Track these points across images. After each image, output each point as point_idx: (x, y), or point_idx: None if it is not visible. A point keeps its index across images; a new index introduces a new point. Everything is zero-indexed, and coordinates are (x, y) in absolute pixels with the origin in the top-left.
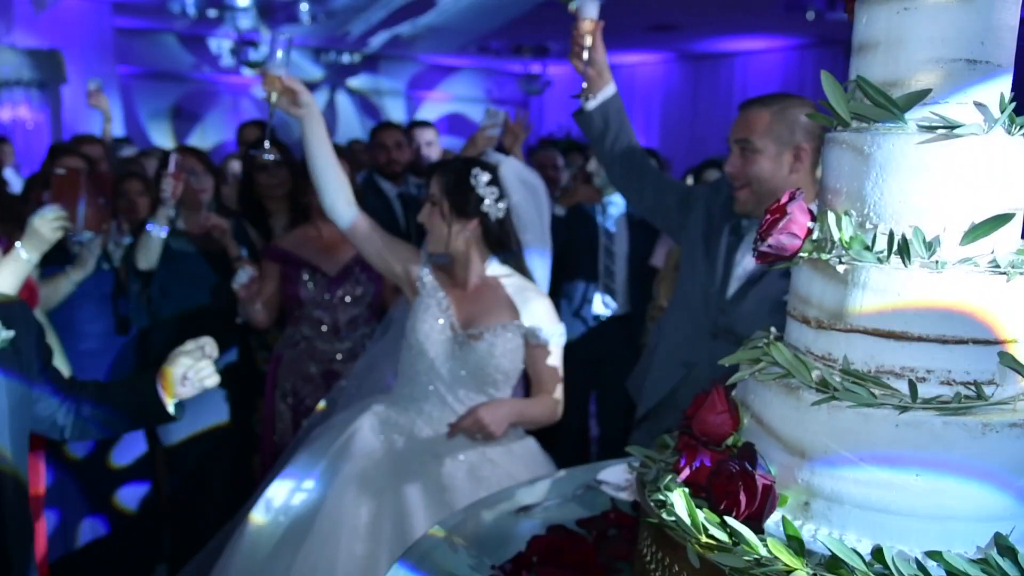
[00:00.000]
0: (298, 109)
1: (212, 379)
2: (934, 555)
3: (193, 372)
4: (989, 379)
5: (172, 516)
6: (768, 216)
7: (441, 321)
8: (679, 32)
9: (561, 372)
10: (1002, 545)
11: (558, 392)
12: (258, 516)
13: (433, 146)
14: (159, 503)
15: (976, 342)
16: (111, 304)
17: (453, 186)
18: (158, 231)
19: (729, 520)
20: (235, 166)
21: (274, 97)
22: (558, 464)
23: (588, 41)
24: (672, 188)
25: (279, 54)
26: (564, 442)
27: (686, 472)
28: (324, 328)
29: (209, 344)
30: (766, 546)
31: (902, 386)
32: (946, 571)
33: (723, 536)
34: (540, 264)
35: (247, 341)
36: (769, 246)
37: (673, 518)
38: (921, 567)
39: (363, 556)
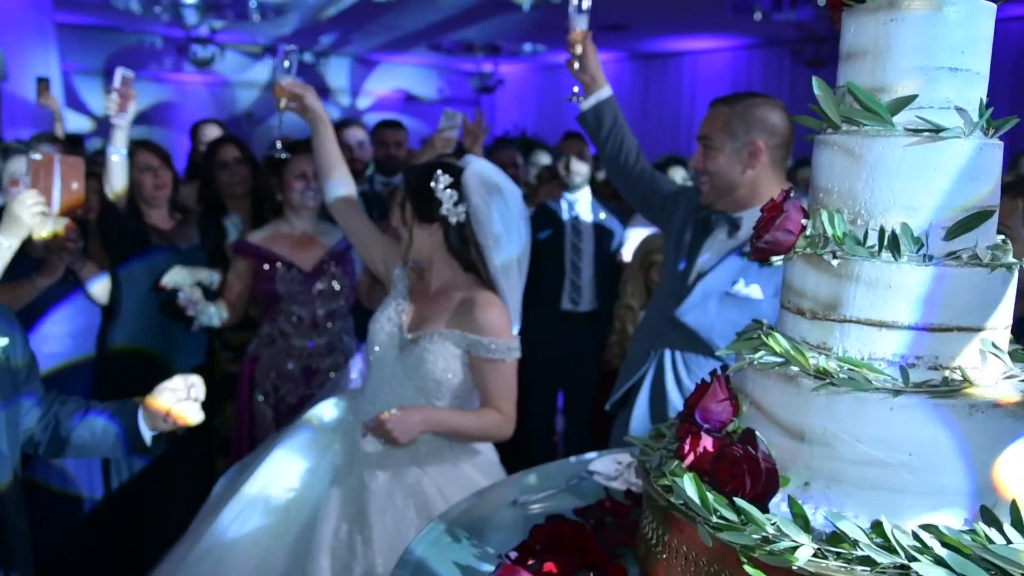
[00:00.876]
0: (305, 113)
1: (195, 417)
2: (928, 527)
3: (177, 409)
4: (973, 364)
5: (130, 522)
6: (764, 214)
7: (392, 321)
8: (629, 32)
9: (510, 388)
10: (988, 516)
11: (505, 408)
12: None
13: (402, 147)
14: (113, 509)
15: (961, 330)
16: (75, 306)
17: (415, 190)
18: (116, 152)
19: (738, 500)
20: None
21: (283, 103)
22: (526, 460)
23: (579, 50)
24: (661, 185)
25: (286, 65)
26: (531, 438)
27: (690, 458)
28: (302, 323)
29: (197, 385)
30: (774, 524)
31: (894, 371)
32: (940, 541)
33: (732, 516)
34: (504, 272)
35: (210, 342)
36: (765, 242)
37: (681, 501)
38: (917, 538)
39: (270, 527)
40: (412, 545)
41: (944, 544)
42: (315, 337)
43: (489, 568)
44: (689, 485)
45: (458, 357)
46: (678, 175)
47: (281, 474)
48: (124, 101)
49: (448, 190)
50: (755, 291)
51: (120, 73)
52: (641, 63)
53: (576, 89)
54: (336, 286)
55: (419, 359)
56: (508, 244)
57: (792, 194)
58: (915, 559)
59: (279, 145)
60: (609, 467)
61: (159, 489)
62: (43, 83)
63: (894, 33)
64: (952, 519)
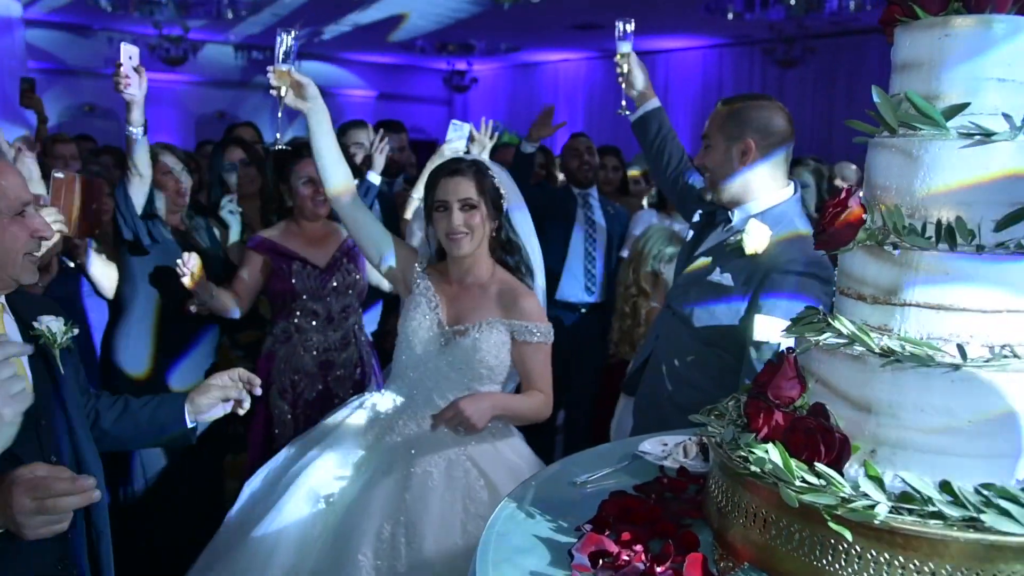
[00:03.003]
0: (304, 103)
1: (247, 406)
2: (988, 486)
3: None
4: (1020, 341)
5: (138, 520)
6: (829, 209)
7: (429, 318)
8: (603, 31)
9: (549, 371)
10: None
11: (547, 389)
12: (237, 506)
13: (405, 149)
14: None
15: (1010, 311)
16: (74, 304)
17: (490, 187)
18: (133, 131)
19: (818, 466)
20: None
21: (283, 91)
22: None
23: (625, 69)
24: (695, 187)
25: (287, 49)
26: (531, 428)
27: (764, 431)
28: (319, 318)
29: (254, 379)
30: (854, 485)
31: (951, 349)
32: (1000, 497)
33: (813, 480)
34: (536, 267)
35: (219, 340)
36: (829, 235)
37: (758, 469)
38: (981, 495)
39: (317, 538)
40: (491, 522)
41: (1003, 498)
42: (331, 332)
43: (564, 539)
44: (774, 453)
45: (505, 344)
46: None
47: (323, 469)
48: (132, 76)
49: (502, 188)
50: (726, 279)
51: (125, 49)
52: (614, 62)
53: (624, 103)
54: (351, 281)
55: (470, 349)
56: (532, 240)
57: (797, 191)
58: (983, 512)
59: (279, 136)
60: (656, 448)
61: (167, 486)
62: (27, 83)
63: (947, 47)
64: (1006, 479)
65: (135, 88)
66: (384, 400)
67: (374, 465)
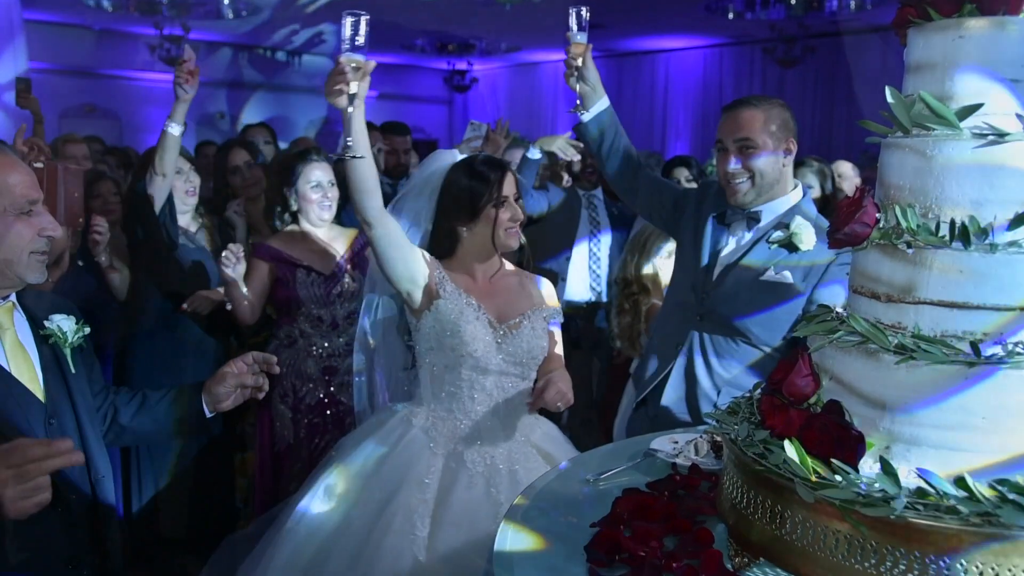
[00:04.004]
0: (349, 104)
1: (264, 389)
2: (1002, 482)
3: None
4: None
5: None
6: (844, 209)
7: (480, 319)
8: (605, 31)
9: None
10: None
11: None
12: (301, 514)
13: (410, 152)
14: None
15: (1023, 309)
16: (87, 298)
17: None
18: (175, 126)
19: (835, 462)
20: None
21: (355, 87)
22: None
23: (579, 62)
24: (666, 190)
25: (359, 35)
26: None
27: (779, 428)
28: (324, 325)
29: (270, 359)
30: (870, 481)
31: (964, 346)
32: (1015, 492)
33: (830, 476)
34: None
35: (226, 344)
36: (844, 234)
37: (773, 465)
38: (996, 490)
39: (427, 563)
40: (506, 518)
41: (1019, 495)
42: (335, 337)
43: (580, 536)
44: (790, 450)
45: (546, 330)
46: (682, 175)
47: (407, 500)
48: (190, 75)
49: None
50: (786, 277)
51: (188, 50)
52: (616, 61)
53: (579, 102)
54: (356, 287)
55: (530, 336)
56: None
57: (806, 192)
58: (999, 507)
59: (349, 142)
60: (667, 446)
61: (178, 485)
62: (23, 84)
63: (961, 48)
64: (1020, 475)
65: (192, 87)
66: (427, 410)
67: (453, 476)
